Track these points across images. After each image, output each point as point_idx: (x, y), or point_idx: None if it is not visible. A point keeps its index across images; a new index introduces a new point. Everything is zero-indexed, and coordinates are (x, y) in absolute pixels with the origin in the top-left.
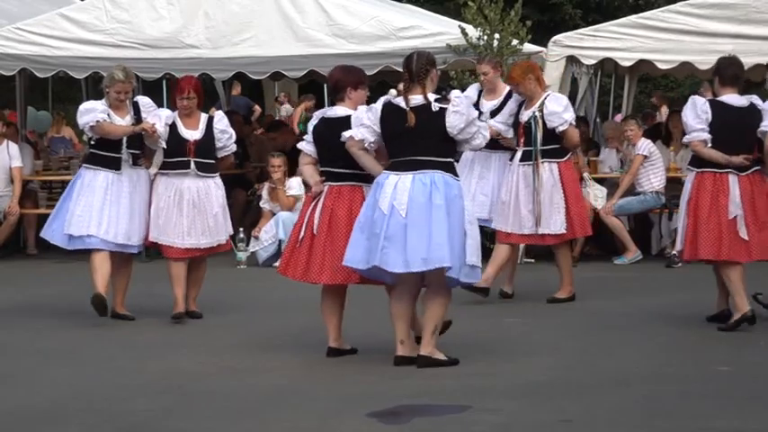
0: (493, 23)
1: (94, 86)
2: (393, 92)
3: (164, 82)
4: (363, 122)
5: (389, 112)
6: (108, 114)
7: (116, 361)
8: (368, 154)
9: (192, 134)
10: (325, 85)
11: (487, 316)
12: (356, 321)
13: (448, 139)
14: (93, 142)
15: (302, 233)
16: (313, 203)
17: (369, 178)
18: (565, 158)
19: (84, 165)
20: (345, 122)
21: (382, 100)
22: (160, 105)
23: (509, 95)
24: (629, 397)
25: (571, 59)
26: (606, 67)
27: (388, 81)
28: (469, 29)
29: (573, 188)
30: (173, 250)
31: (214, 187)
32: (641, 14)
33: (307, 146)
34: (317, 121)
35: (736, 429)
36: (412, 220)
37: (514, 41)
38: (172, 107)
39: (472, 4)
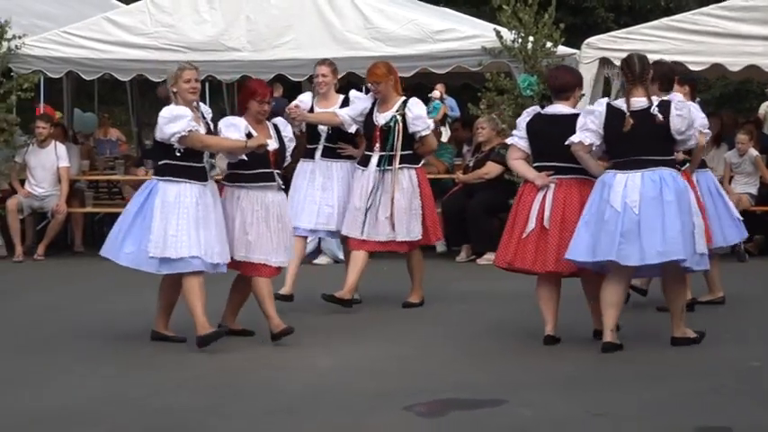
0: (527, 26)
1: (139, 89)
2: (436, 93)
3: (206, 84)
4: (588, 127)
5: (613, 115)
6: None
7: (154, 359)
8: (592, 157)
9: (270, 143)
10: (364, 87)
11: (520, 311)
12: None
13: (669, 138)
14: (179, 153)
15: (531, 225)
16: (540, 196)
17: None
18: (420, 164)
19: (163, 178)
20: (574, 120)
21: (604, 102)
22: None
23: (345, 102)
24: (662, 392)
25: (604, 61)
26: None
27: (424, 83)
28: (504, 32)
29: (428, 194)
30: (266, 269)
31: (287, 201)
32: (673, 17)
33: (519, 141)
34: (530, 118)
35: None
36: (645, 216)
37: (548, 44)
38: (240, 112)
39: (507, 8)
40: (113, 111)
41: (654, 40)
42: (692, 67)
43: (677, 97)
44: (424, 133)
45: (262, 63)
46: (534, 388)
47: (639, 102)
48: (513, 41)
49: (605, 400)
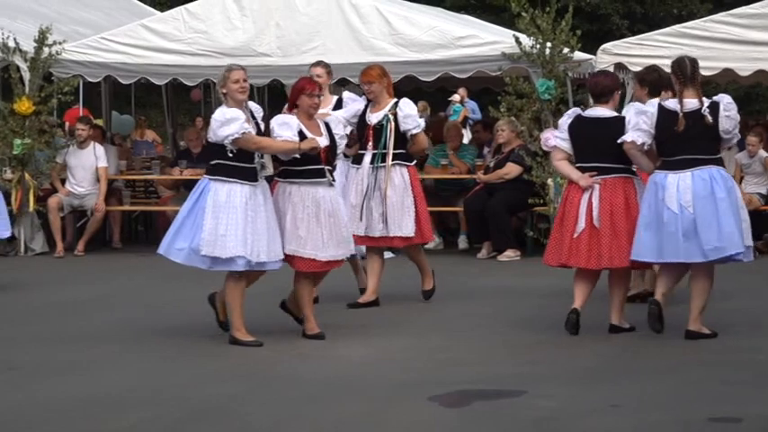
0: (545, 33)
1: (174, 92)
2: (456, 97)
3: None
4: (641, 126)
5: (664, 115)
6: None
7: (191, 350)
8: (644, 155)
9: (321, 140)
10: None
11: (537, 306)
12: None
13: (717, 138)
14: (231, 153)
15: (581, 225)
16: (587, 197)
17: (634, 170)
18: (413, 162)
19: (214, 177)
20: (613, 122)
21: (655, 103)
22: None
23: (339, 103)
24: (675, 383)
25: (619, 66)
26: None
27: (446, 87)
28: (523, 38)
29: (419, 192)
30: (315, 263)
31: (339, 196)
32: (684, 24)
33: (562, 142)
34: (571, 120)
35: None
36: (700, 214)
37: (565, 50)
38: (291, 109)
39: (525, 15)
40: (149, 113)
41: (666, 46)
42: (703, 72)
43: (726, 99)
44: (414, 131)
45: (291, 68)
46: (554, 380)
47: (691, 103)
48: (532, 47)
49: (622, 392)
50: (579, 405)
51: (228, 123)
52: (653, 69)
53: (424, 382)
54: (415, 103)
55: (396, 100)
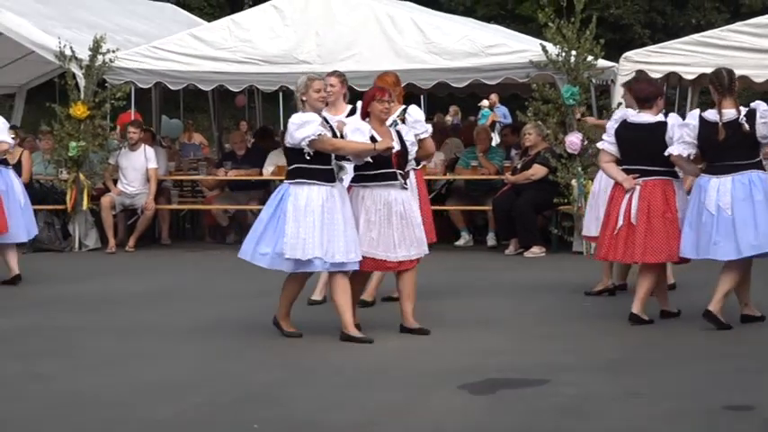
0: (570, 42)
1: (220, 98)
2: (485, 102)
3: (280, 94)
4: (685, 139)
5: (705, 126)
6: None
7: (238, 340)
8: (689, 162)
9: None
10: (422, 96)
11: (561, 300)
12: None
13: (756, 144)
14: (308, 156)
15: (620, 222)
16: (628, 196)
17: (676, 173)
18: (419, 167)
19: (294, 181)
20: (656, 127)
21: (696, 115)
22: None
23: (352, 112)
24: (692, 373)
25: (640, 74)
26: (671, 81)
27: (477, 93)
28: (549, 46)
29: (424, 195)
30: (386, 264)
31: (412, 198)
32: (702, 33)
33: (610, 146)
34: (617, 125)
35: None
36: (738, 215)
37: (589, 57)
38: (363, 116)
39: (552, 25)
40: (196, 117)
41: (685, 54)
42: None
43: (762, 106)
44: (423, 136)
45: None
46: (577, 369)
47: (729, 113)
48: (558, 55)
49: (641, 381)
50: (600, 393)
51: (304, 126)
52: (643, 79)
53: (455, 371)
54: (447, 107)
55: (404, 106)
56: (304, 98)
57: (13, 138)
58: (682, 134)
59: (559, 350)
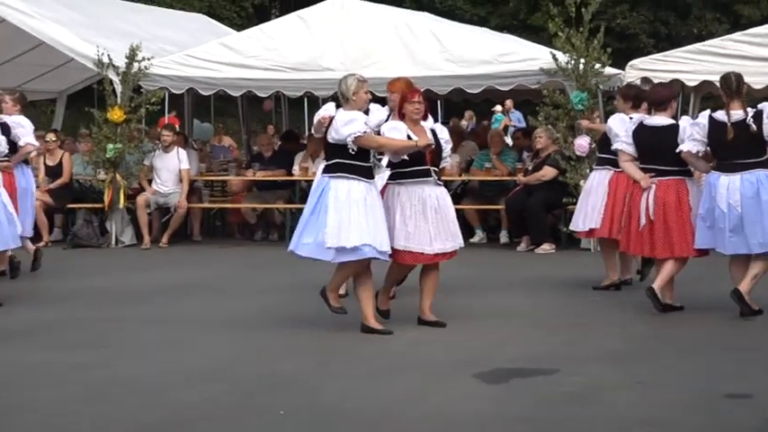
0: (579, 50)
1: (248, 103)
2: (498, 108)
3: (305, 99)
4: (695, 137)
5: (714, 126)
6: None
7: (265, 330)
8: (699, 159)
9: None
10: (439, 102)
11: (571, 294)
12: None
13: (763, 143)
14: (352, 152)
15: (643, 221)
16: (645, 195)
17: (689, 172)
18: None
19: (334, 175)
20: (669, 129)
21: (706, 115)
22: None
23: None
24: (694, 363)
25: (645, 80)
26: (675, 87)
27: (491, 98)
28: (559, 55)
29: None
30: (422, 257)
31: (446, 193)
32: (704, 42)
33: (627, 147)
34: (635, 127)
35: None
36: (746, 213)
37: (597, 65)
38: (399, 117)
39: (561, 35)
40: (226, 121)
41: (688, 62)
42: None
43: None
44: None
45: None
46: (584, 360)
47: (737, 114)
48: (567, 63)
49: (646, 370)
50: (606, 382)
51: (351, 123)
52: (634, 86)
53: (469, 361)
54: (463, 112)
55: None
56: (354, 97)
57: (51, 140)
58: (692, 132)
59: (567, 341)
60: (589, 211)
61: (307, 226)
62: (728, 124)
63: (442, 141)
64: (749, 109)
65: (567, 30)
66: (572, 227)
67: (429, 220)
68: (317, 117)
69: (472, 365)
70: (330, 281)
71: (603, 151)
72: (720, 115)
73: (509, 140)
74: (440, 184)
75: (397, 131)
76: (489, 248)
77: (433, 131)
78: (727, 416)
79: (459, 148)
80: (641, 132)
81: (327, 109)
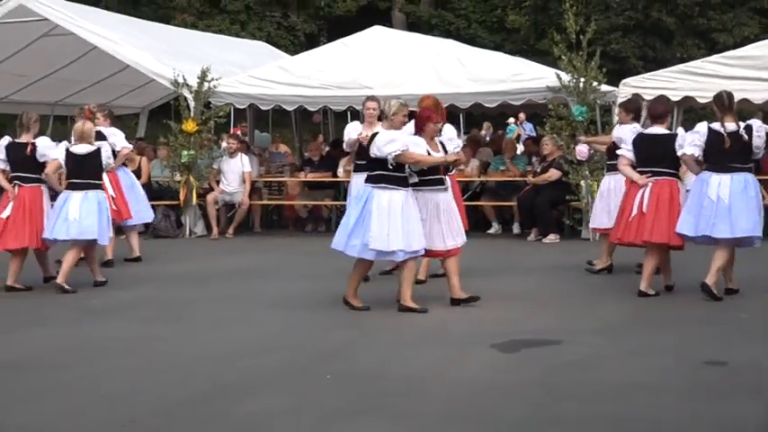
0: (579, 71)
1: (300, 116)
2: (511, 119)
3: (348, 112)
4: (695, 143)
5: (711, 134)
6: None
7: (319, 308)
8: (695, 163)
9: (440, 156)
10: (461, 115)
11: (573, 277)
12: (488, 284)
13: (750, 152)
14: (391, 166)
15: (634, 212)
16: (641, 192)
17: (679, 175)
18: (453, 172)
19: (377, 186)
20: (666, 138)
21: (705, 125)
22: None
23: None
24: (679, 335)
25: (636, 96)
26: (670, 103)
27: (506, 112)
28: (562, 74)
29: (458, 193)
30: (438, 252)
31: (452, 198)
32: (686, 64)
33: (628, 153)
34: (635, 136)
35: (756, 358)
36: (733, 204)
37: (594, 83)
38: (417, 132)
39: (564, 58)
40: (282, 131)
41: (672, 80)
42: (700, 101)
43: (756, 123)
44: (457, 149)
45: (388, 97)
46: (585, 332)
47: (731, 126)
48: (569, 82)
49: (637, 342)
50: (603, 351)
51: (392, 142)
52: (634, 100)
53: (487, 334)
54: (481, 123)
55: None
56: (393, 118)
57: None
58: (693, 138)
59: (571, 317)
60: (612, 209)
61: (354, 229)
62: (725, 134)
63: (447, 142)
64: (740, 123)
65: (569, 53)
66: (596, 225)
67: (442, 222)
68: (347, 134)
69: (489, 338)
70: (347, 288)
71: (613, 158)
72: (717, 126)
73: (521, 147)
74: (447, 190)
75: (418, 146)
76: (504, 238)
77: (443, 144)
78: (704, 380)
79: (478, 154)
80: (642, 141)
81: (355, 128)
